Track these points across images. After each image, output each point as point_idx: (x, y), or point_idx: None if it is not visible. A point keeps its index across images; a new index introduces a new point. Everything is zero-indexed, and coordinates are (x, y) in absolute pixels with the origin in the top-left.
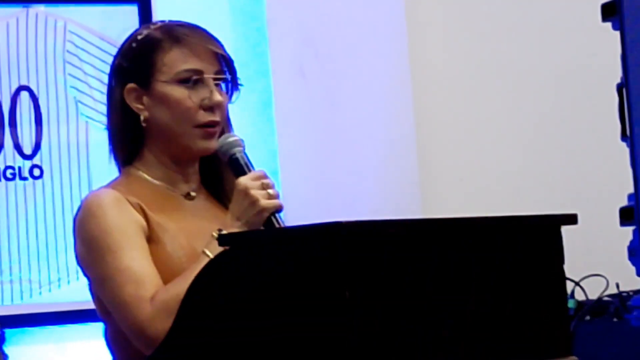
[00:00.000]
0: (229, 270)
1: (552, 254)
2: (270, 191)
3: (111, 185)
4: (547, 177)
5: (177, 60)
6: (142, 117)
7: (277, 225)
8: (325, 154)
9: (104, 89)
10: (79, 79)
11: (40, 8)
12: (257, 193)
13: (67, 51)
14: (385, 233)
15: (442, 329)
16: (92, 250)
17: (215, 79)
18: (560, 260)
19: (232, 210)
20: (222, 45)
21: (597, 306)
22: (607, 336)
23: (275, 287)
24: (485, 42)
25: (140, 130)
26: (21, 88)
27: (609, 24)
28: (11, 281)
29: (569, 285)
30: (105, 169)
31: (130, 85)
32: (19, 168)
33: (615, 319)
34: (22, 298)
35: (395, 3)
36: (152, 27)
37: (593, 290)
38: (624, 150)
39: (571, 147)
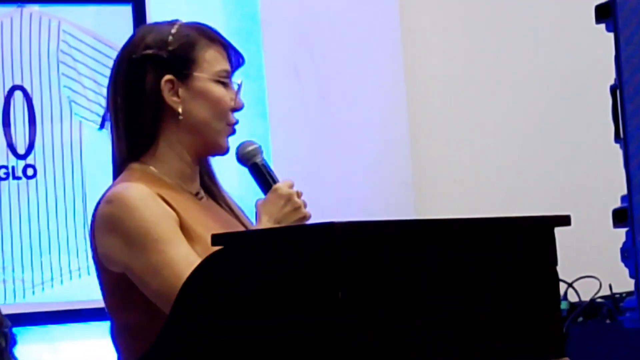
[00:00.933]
0: (223, 270)
1: (545, 255)
2: (304, 200)
3: (132, 180)
4: (540, 179)
5: (215, 59)
6: (180, 110)
7: None
8: (318, 154)
9: (98, 88)
10: (72, 79)
11: (35, 8)
12: (299, 201)
13: (61, 51)
14: (378, 233)
15: (436, 330)
16: (136, 242)
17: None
18: (554, 261)
19: (270, 213)
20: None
21: (589, 308)
22: (600, 338)
23: (269, 287)
24: (479, 44)
25: (160, 124)
26: (15, 87)
27: (602, 26)
28: (4, 281)
29: (562, 287)
30: (99, 168)
31: (168, 76)
32: (13, 168)
33: (608, 321)
34: (15, 298)
35: (390, 4)
36: (180, 24)
37: (586, 291)
38: (618, 151)
39: (565, 149)
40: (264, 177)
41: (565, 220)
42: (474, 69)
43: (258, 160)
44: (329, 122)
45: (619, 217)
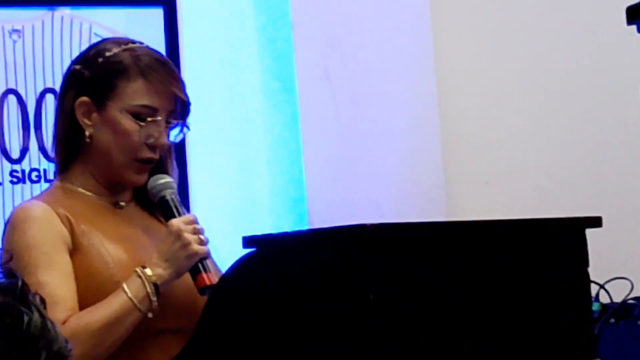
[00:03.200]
0: (253, 272)
1: (576, 256)
2: (202, 237)
3: (41, 196)
4: (571, 180)
5: (137, 93)
6: (87, 133)
7: (202, 271)
8: (350, 156)
9: None
10: None
11: (66, 11)
12: (189, 237)
13: None
14: (409, 236)
15: (467, 330)
16: (13, 263)
17: (167, 121)
18: (585, 263)
19: (160, 250)
20: (183, 85)
21: (621, 309)
22: (632, 339)
23: (300, 289)
24: (510, 46)
25: (79, 142)
26: (47, 90)
27: (634, 27)
28: None
29: (594, 288)
30: None
31: (84, 98)
32: (44, 170)
33: (639, 322)
34: None
35: (421, 5)
36: (123, 47)
37: (617, 293)
38: None
39: (596, 150)
40: (170, 211)
41: (596, 222)
42: (505, 71)
43: (167, 194)
44: (360, 125)
45: None
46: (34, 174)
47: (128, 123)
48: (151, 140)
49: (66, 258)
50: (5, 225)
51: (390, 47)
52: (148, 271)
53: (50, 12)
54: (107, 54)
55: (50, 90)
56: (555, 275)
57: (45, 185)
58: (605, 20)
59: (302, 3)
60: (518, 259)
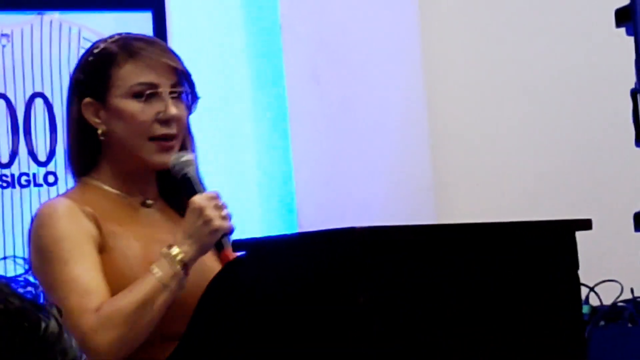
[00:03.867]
0: (244, 276)
1: (566, 259)
2: (224, 212)
3: (66, 194)
4: (561, 183)
5: (131, 74)
6: (99, 131)
7: (226, 247)
8: (339, 158)
9: None
10: None
11: (55, 15)
12: (211, 213)
13: None
14: (399, 238)
15: (457, 333)
16: (42, 259)
17: (171, 92)
18: (575, 265)
19: (184, 227)
20: (179, 58)
21: (611, 312)
22: (622, 341)
23: (289, 292)
24: (499, 47)
25: (98, 142)
26: (35, 95)
27: (623, 29)
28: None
29: (584, 291)
30: None
31: (88, 99)
32: (34, 175)
33: (629, 325)
34: None
35: (409, 7)
36: (109, 40)
37: (607, 295)
38: (639, 155)
39: (586, 153)
40: (192, 189)
41: (586, 224)
42: (494, 74)
43: (188, 171)
44: (349, 127)
45: None
46: (24, 178)
47: (130, 105)
48: (160, 115)
49: (95, 252)
50: (31, 222)
51: (378, 49)
52: (174, 250)
53: (39, 17)
54: (96, 50)
55: (40, 95)
56: (545, 278)
57: (34, 190)
58: (594, 22)
59: (290, 5)
60: (508, 262)
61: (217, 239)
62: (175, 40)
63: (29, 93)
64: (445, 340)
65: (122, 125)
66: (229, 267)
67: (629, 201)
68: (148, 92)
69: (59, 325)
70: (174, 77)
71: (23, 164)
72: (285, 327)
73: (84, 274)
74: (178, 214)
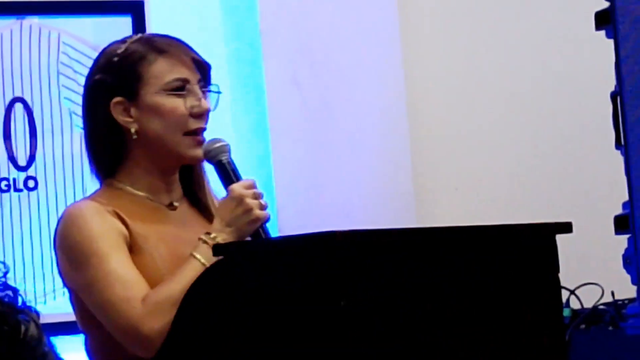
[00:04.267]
0: (223, 280)
1: (547, 262)
2: (262, 201)
3: (91, 197)
4: (542, 186)
5: (164, 71)
6: (132, 130)
7: (263, 236)
8: (319, 163)
9: None
10: (73, 90)
11: (34, 20)
12: (251, 202)
13: (61, 62)
14: (380, 242)
15: (437, 337)
16: (76, 258)
17: (201, 87)
18: (555, 268)
19: (222, 215)
20: (196, 53)
21: (592, 315)
22: (603, 345)
23: (271, 296)
24: (479, 52)
25: (123, 143)
26: (15, 100)
27: (602, 32)
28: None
29: (564, 294)
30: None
31: (117, 99)
32: (14, 180)
33: (610, 328)
34: None
35: (389, 12)
36: (130, 41)
37: (588, 298)
38: (619, 158)
39: (566, 156)
40: (227, 176)
41: (566, 228)
42: (475, 78)
43: (223, 158)
44: (330, 131)
45: (621, 224)
46: (4, 183)
47: (170, 100)
48: (195, 109)
49: (127, 250)
50: (58, 224)
51: (359, 53)
52: (213, 236)
53: (18, 22)
54: (119, 51)
55: (20, 100)
56: (526, 281)
57: (14, 195)
58: (574, 25)
59: (270, 10)
60: (488, 265)
61: (255, 228)
62: None
63: (8, 98)
64: (425, 343)
65: (158, 121)
66: (209, 271)
67: (609, 204)
68: (184, 87)
69: (39, 328)
70: (199, 72)
71: (3, 168)
72: (266, 330)
73: (123, 267)
74: (202, 215)
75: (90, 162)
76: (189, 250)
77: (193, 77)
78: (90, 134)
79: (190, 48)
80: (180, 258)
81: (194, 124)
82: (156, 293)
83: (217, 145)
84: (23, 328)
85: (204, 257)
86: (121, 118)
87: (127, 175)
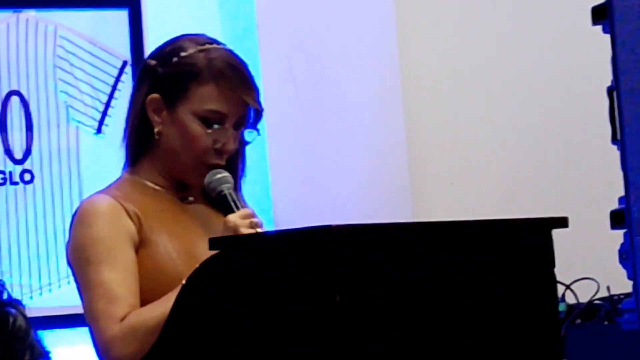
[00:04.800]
0: (219, 274)
1: (543, 257)
2: (259, 230)
3: (108, 189)
4: (538, 181)
5: (208, 97)
6: (155, 130)
7: (233, 207)
8: (315, 158)
9: (95, 93)
10: (69, 84)
11: (31, 13)
12: (245, 232)
13: (58, 56)
14: (376, 236)
15: (433, 332)
16: (77, 258)
17: (235, 125)
18: (551, 263)
19: None
20: (256, 91)
21: (588, 310)
22: (598, 340)
23: (266, 290)
24: (475, 47)
25: (149, 137)
26: (11, 93)
27: (599, 27)
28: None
29: (560, 289)
30: (96, 173)
31: (155, 95)
32: (10, 173)
33: (606, 323)
34: None
35: (386, 7)
36: (199, 47)
37: (584, 293)
38: (615, 153)
39: (562, 151)
40: (228, 207)
41: (562, 222)
42: (471, 73)
43: (224, 189)
44: (325, 126)
45: (617, 219)
46: (0, 176)
47: (196, 127)
48: (218, 145)
49: (130, 254)
50: (73, 217)
51: (355, 48)
52: (215, 237)
53: (15, 15)
54: (182, 53)
55: (16, 93)
56: (522, 276)
57: (10, 188)
58: (571, 20)
59: (267, 5)
60: (484, 260)
61: None
62: (151, 38)
63: (4, 91)
64: (422, 338)
65: (180, 140)
66: (205, 265)
67: (605, 199)
68: (215, 122)
69: (27, 320)
70: (244, 110)
71: None
72: (261, 325)
73: (114, 279)
74: (216, 211)
75: (124, 141)
76: (201, 243)
77: (234, 113)
78: (128, 112)
79: (250, 81)
80: (192, 250)
81: (213, 159)
82: (135, 316)
83: (218, 176)
84: (11, 319)
85: None
86: (152, 114)
87: (146, 168)
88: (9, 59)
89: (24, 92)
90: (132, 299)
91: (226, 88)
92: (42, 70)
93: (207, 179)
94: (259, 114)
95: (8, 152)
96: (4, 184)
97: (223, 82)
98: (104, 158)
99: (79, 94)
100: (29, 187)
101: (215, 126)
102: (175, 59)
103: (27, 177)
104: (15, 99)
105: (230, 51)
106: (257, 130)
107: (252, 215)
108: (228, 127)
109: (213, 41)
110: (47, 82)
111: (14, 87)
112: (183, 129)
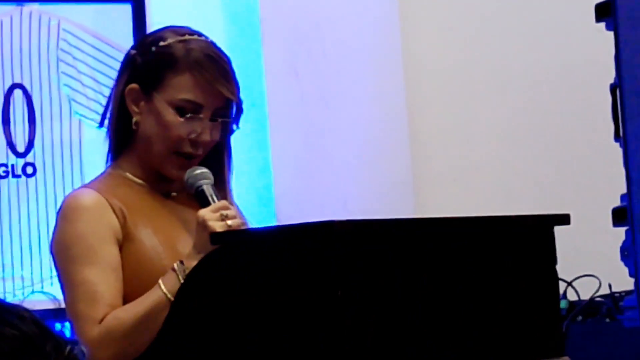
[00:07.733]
0: (220, 269)
1: (544, 254)
2: (230, 222)
3: (93, 183)
4: (540, 178)
5: (182, 87)
6: (134, 119)
7: (209, 200)
8: (318, 153)
9: (98, 87)
10: (72, 77)
11: (34, 6)
12: (214, 224)
13: (61, 49)
14: (377, 232)
15: (434, 328)
16: (59, 254)
17: (212, 117)
18: (553, 260)
19: (194, 242)
20: (235, 84)
21: (589, 307)
22: (599, 337)
23: (267, 285)
24: (478, 43)
25: (129, 129)
26: (15, 86)
27: (602, 24)
28: (4, 279)
29: (561, 286)
30: (99, 166)
31: (134, 85)
32: (12, 166)
33: (607, 320)
34: (14, 295)
35: (389, 2)
36: (179, 38)
37: (585, 290)
38: (617, 150)
39: (564, 148)
40: (205, 202)
41: (564, 219)
42: (473, 69)
43: (203, 184)
44: (328, 122)
45: (619, 216)
46: (2, 169)
47: (170, 116)
48: (193, 136)
49: (113, 251)
50: (57, 211)
51: (358, 44)
52: (185, 267)
53: (19, 8)
54: (162, 43)
55: (19, 86)
56: (523, 273)
57: (13, 181)
58: (574, 17)
59: (270, 1)
60: (486, 256)
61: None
62: None
63: (8, 84)
64: (423, 333)
65: (155, 129)
66: (205, 260)
67: (607, 196)
68: (190, 111)
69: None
70: (221, 102)
71: (1, 155)
72: (262, 320)
73: (94, 279)
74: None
75: (107, 135)
76: (184, 238)
77: (210, 104)
78: (109, 103)
79: (230, 74)
80: (176, 244)
81: (187, 148)
82: (113, 318)
83: (197, 172)
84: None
85: (167, 286)
86: (130, 104)
87: (129, 161)
88: (12, 52)
89: (27, 85)
90: (112, 299)
91: (202, 79)
92: (45, 63)
93: (186, 175)
94: (239, 108)
95: (11, 145)
96: (6, 176)
97: (199, 72)
98: (106, 151)
99: (81, 87)
100: (32, 180)
101: (188, 115)
102: (154, 48)
103: (29, 170)
104: (18, 92)
105: (212, 43)
106: (236, 123)
107: (225, 207)
108: (203, 117)
109: (195, 33)
110: (50, 76)
111: (17, 80)
112: (158, 118)
